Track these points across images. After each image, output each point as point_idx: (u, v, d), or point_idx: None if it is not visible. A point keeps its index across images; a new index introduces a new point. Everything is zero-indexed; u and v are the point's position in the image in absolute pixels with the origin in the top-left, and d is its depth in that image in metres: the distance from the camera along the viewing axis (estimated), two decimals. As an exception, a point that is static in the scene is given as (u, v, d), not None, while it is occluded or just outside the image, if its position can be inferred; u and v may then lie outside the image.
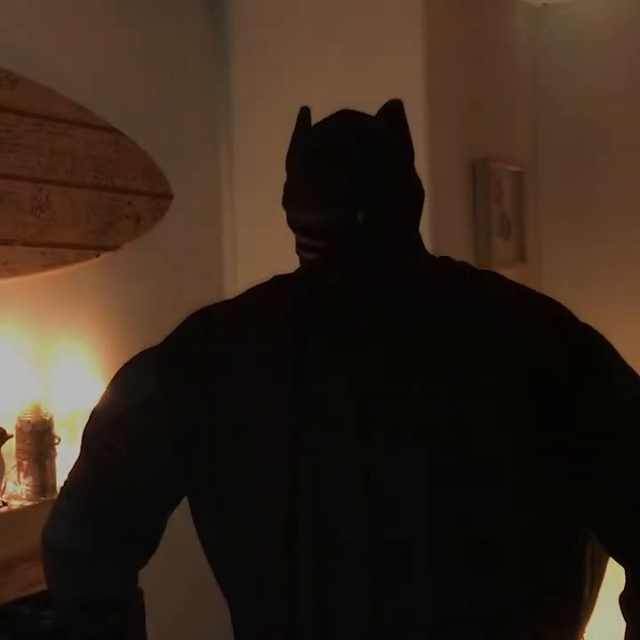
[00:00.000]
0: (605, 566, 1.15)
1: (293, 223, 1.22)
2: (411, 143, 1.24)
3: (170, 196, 2.51)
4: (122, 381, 1.19)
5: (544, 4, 3.14)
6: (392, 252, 1.16)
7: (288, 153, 1.25)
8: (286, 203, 1.22)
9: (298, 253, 1.23)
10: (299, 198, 1.20)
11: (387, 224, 1.17)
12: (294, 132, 1.25)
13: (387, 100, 1.25)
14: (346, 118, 1.23)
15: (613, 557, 1.13)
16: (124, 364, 1.20)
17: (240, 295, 1.19)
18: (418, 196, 1.22)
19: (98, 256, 2.30)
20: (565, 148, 3.13)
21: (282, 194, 1.23)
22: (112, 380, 1.20)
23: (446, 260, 1.18)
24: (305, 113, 1.26)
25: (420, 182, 1.23)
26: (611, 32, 3.06)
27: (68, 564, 1.20)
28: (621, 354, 1.14)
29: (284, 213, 1.24)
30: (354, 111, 1.24)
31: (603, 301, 2.83)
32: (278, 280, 1.18)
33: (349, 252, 1.16)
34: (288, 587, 1.07)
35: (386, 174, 1.18)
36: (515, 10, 3.06)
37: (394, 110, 1.24)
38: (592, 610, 1.14)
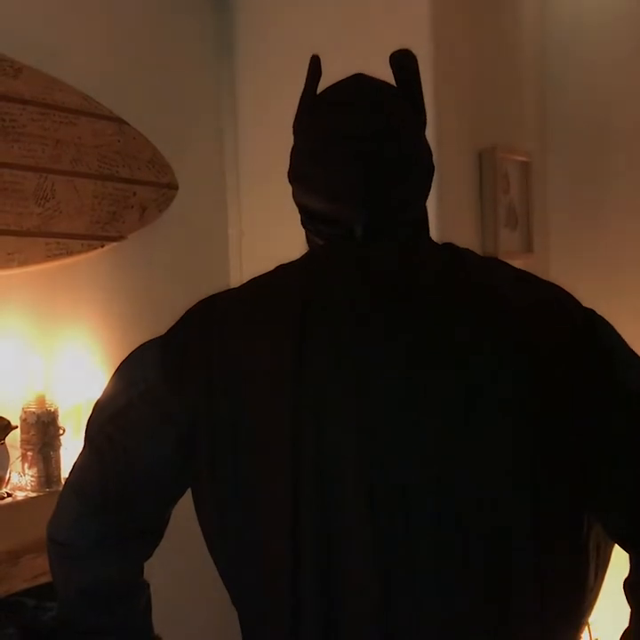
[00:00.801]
0: (610, 554, 1.15)
1: (299, 203, 1.20)
2: (423, 106, 1.20)
3: (175, 187, 2.50)
4: (125, 373, 1.18)
5: (551, -9, 3.12)
6: (396, 249, 1.14)
7: (296, 116, 1.22)
8: (293, 181, 1.20)
9: (303, 229, 1.21)
10: (306, 183, 1.18)
11: (393, 225, 1.16)
12: (303, 91, 1.21)
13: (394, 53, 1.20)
14: (359, 91, 1.19)
15: (618, 544, 1.13)
16: (128, 355, 1.20)
17: (244, 285, 1.18)
18: (428, 179, 1.20)
19: (103, 246, 2.29)
20: (573, 138, 3.10)
21: (287, 179, 1.21)
22: (115, 372, 1.19)
23: (450, 248, 1.16)
24: (315, 66, 1.21)
25: (429, 154, 1.20)
26: (618, 17, 3.03)
27: (71, 557, 1.20)
28: (629, 345, 1.13)
29: (288, 205, 1.22)
30: (367, 79, 1.20)
31: (610, 293, 2.80)
32: (282, 270, 1.16)
33: (352, 249, 1.14)
34: (291, 587, 1.06)
35: (398, 172, 1.15)
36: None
37: (404, 60, 1.20)
38: (597, 598, 1.14)
